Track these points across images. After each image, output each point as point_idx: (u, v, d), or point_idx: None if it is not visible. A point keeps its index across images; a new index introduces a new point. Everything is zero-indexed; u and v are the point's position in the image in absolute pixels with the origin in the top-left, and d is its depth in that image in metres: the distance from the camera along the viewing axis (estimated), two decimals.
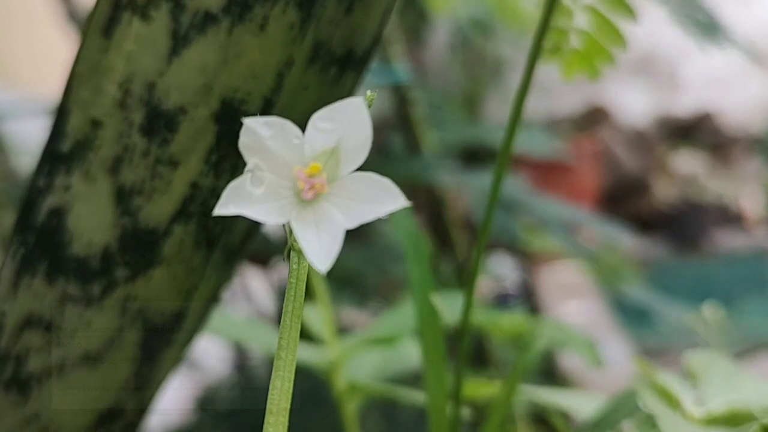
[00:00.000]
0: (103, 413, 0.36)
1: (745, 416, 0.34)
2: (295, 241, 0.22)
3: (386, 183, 0.22)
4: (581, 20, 0.34)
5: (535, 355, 0.43)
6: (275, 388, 0.22)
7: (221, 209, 0.21)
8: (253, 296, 1.02)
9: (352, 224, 0.21)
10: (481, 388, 0.52)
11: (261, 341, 0.52)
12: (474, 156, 1.18)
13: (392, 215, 0.22)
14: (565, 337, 0.44)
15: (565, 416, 0.61)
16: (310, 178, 0.22)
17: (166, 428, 0.84)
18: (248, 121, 0.22)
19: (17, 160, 0.79)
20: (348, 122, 0.22)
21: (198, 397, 0.93)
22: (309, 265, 0.23)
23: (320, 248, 0.21)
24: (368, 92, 0.22)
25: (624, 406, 0.41)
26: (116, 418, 0.36)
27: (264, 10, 0.31)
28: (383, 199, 0.22)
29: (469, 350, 0.40)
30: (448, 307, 0.40)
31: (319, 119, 0.22)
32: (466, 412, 0.43)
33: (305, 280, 0.23)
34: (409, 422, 0.84)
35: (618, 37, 0.34)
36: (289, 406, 0.22)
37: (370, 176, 0.22)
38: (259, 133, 0.22)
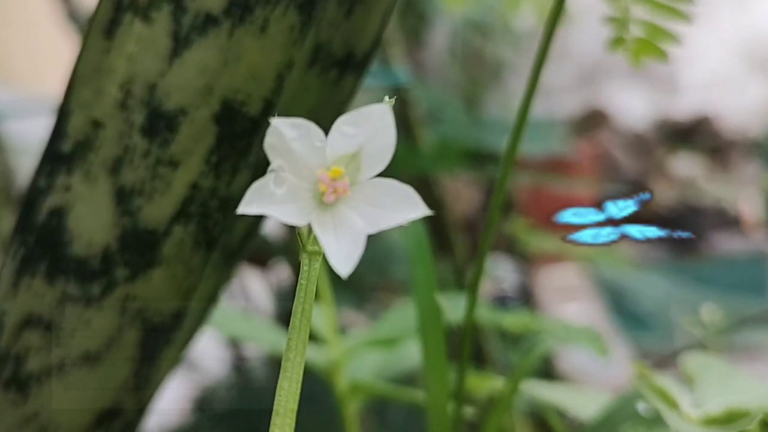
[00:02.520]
0: (102, 413, 0.36)
1: (742, 417, 0.34)
2: (309, 243, 0.23)
3: (406, 190, 0.22)
4: (637, 11, 0.36)
5: (541, 353, 0.43)
6: (283, 388, 0.22)
7: (244, 208, 0.21)
8: (252, 297, 1.02)
9: (373, 230, 0.21)
10: (481, 382, 0.52)
11: (259, 339, 0.53)
12: (474, 156, 1.18)
13: None
14: (568, 333, 0.44)
15: (563, 416, 0.61)
16: (332, 181, 0.22)
17: (163, 428, 0.84)
18: (275, 122, 0.22)
19: (17, 160, 0.79)
20: (372, 128, 0.22)
21: (196, 398, 0.94)
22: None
23: (341, 252, 0.21)
24: (387, 97, 0.22)
25: (622, 409, 0.41)
26: (115, 417, 0.36)
27: (265, 13, 0.31)
28: (403, 207, 0.22)
29: (468, 351, 0.40)
30: (451, 307, 0.40)
31: (343, 123, 0.22)
32: (469, 411, 0.44)
33: (315, 282, 0.23)
34: (406, 422, 0.85)
35: (681, 16, 0.35)
36: (296, 407, 0.22)
37: (391, 183, 0.22)
38: (285, 134, 0.22)
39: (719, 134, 2.65)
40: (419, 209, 0.21)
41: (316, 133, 0.22)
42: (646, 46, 0.35)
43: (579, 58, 2.55)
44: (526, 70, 0.38)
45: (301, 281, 0.23)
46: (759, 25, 2.52)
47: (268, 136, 0.22)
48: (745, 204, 2.43)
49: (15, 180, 0.75)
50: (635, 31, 0.35)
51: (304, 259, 0.23)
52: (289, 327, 0.23)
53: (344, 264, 0.21)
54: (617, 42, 0.36)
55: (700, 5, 0.36)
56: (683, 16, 0.35)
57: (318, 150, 0.22)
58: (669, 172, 2.56)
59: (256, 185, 0.21)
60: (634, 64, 0.36)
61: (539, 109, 0.38)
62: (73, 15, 0.86)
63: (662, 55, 0.36)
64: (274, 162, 0.22)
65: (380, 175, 0.22)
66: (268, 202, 0.21)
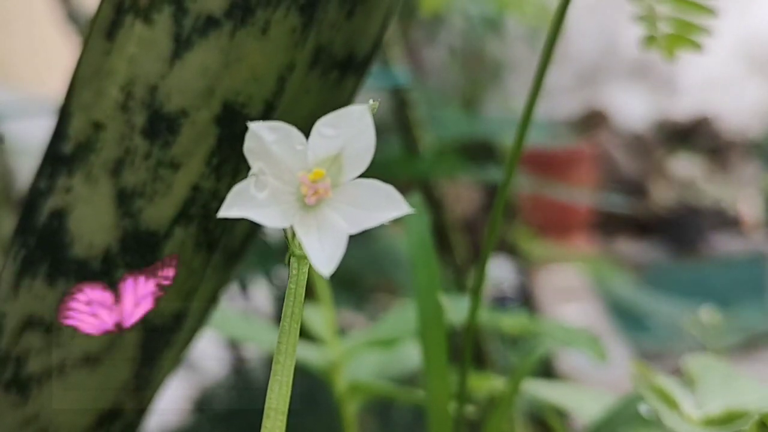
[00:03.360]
0: (102, 414, 0.36)
1: (742, 418, 0.34)
2: (295, 246, 0.23)
3: (388, 190, 0.22)
4: (662, 9, 0.36)
5: (542, 354, 0.43)
6: (273, 391, 0.22)
7: (225, 211, 0.21)
8: (251, 298, 1.02)
9: (355, 230, 0.21)
10: (481, 383, 0.52)
11: (258, 339, 0.53)
12: (473, 155, 1.18)
13: (405, 217, 0.22)
14: (568, 335, 0.44)
15: (563, 416, 0.61)
16: (313, 183, 0.22)
17: (163, 429, 0.84)
18: (253, 126, 0.22)
19: (17, 161, 0.79)
20: (351, 129, 0.22)
21: (195, 398, 0.94)
22: (311, 267, 0.23)
23: (323, 253, 0.21)
24: (371, 100, 0.23)
25: (624, 411, 0.41)
26: (116, 419, 0.36)
27: (266, 15, 0.31)
28: (385, 206, 0.22)
29: (470, 352, 0.41)
30: (452, 308, 0.40)
31: (323, 125, 0.22)
32: (470, 410, 0.44)
33: (305, 285, 0.23)
34: (405, 423, 0.85)
35: (705, 11, 0.35)
36: (286, 410, 0.22)
37: (373, 183, 0.22)
38: (264, 138, 0.22)
39: (719, 135, 2.65)
40: (401, 208, 0.22)
41: (296, 136, 0.22)
42: (678, 41, 0.36)
43: (579, 59, 2.55)
44: (526, 71, 0.38)
45: (290, 285, 0.23)
46: (758, 27, 2.52)
47: (247, 140, 0.22)
48: (745, 204, 2.43)
49: (15, 181, 0.75)
50: (664, 28, 0.36)
51: (293, 263, 0.23)
52: (279, 330, 0.23)
53: (326, 264, 0.21)
54: (649, 40, 0.36)
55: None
56: (707, 11, 0.35)
57: (299, 153, 0.22)
58: (668, 172, 2.56)
59: (237, 188, 0.22)
60: (668, 58, 0.36)
61: (539, 109, 0.38)
62: (73, 16, 0.86)
63: (697, 47, 0.36)
64: (255, 166, 0.22)
65: (378, 176, 0.22)
66: (249, 205, 0.22)
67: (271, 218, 0.22)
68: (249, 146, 0.22)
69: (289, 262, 0.23)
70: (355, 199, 0.22)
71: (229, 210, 0.21)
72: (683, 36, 0.35)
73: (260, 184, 0.22)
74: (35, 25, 1.33)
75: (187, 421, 0.89)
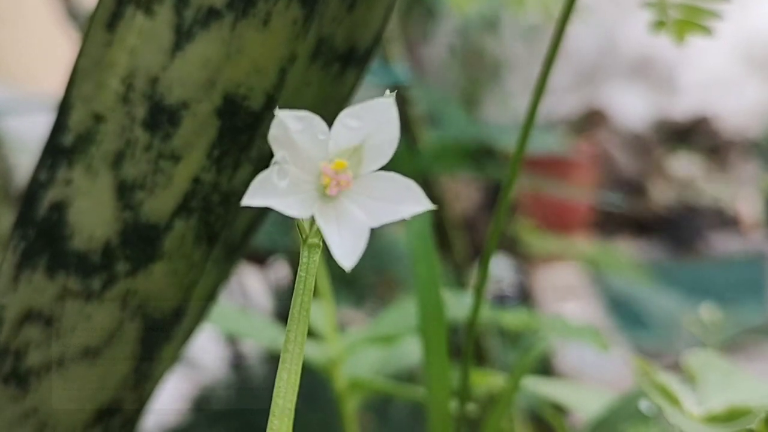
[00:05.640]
0: (101, 409, 0.36)
1: (744, 415, 0.34)
2: (309, 235, 0.22)
3: (409, 184, 0.22)
4: None
5: (542, 350, 0.43)
6: (282, 379, 0.22)
7: (248, 200, 0.21)
8: (250, 295, 1.02)
9: (376, 223, 0.21)
10: (480, 379, 0.52)
11: (257, 335, 0.52)
12: (473, 157, 1.18)
13: None
14: (568, 329, 0.44)
15: (562, 413, 0.61)
16: (336, 174, 0.22)
17: (162, 427, 0.84)
18: (280, 114, 0.22)
19: (15, 157, 0.79)
20: (375, 121, 0.22)
21: (194, 397, 0.93)
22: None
23: (344, 245, 0.21)
24: (387, 91, 0.23)
25: (625, 407, 0.41)
26: (114, 414, 0.36)
27: (267, 6, 0.31)
28: (405, 200, 0.22)
29: (471, 350, 0.40)
30: (454, 304, 0.40)
31: (347, 116, 0.22)
32: (470, 408, 0.44)
33: (314, 274, 0.23)
34: (404, 420, 0.85)
35: None
36: (295, 398, 0.22)
37: (392, 176, 0.22)
38: (289, 126, 0.22)
39: (718, 134, 2.65)
40: (422, 203, 0.21)
41: (319, 125, 0.22)
42: (687, 26, 0.36)
43: (578, 58, 2.55)
44: (525, 70, 0.38)
45: (300, 273, 0.23)
46: (758, 26, 2.52)
47: (273, 127, 0.22)
48: (743, 204, 2.43)
49: (14, 177, 0.75)
50: (673, 14, 0.36)
51: (303, 251, 0.23)
52: (288, 318, 0.23)
53: (348, 257, 0.21)
54: (659, 25, 0.36)
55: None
56: None
57: (321, 142, 0.22)
58: (667, 172, 2.56)
59: (260, 177, 0.21)
60: (678, 42, 0.36)
61: (539, 108, 0.38)
62: (71, 12, 0.86)
63: (706, 31, 0.36)
64: (278, 154, 0.22)
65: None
66: (271, 195, 0.21)
67: (291, 207, 0.22)
68: (274, 134, 0.22)
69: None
70: (375, 191, 0.22)
71: (252, 198, 0.21)
72: (693, 21, 0.36)
73: (282, 172, 0.22)
74: (35, 22, 1.33)
75: (186, 419, 0.89)
